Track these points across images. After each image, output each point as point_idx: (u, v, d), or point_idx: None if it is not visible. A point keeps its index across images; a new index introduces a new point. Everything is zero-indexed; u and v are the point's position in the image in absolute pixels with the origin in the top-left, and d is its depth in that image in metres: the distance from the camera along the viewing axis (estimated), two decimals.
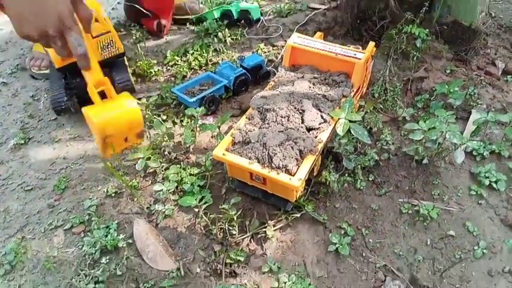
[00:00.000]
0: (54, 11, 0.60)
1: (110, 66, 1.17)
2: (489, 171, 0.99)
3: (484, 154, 1.03)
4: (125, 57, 1.22)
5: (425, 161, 0.99)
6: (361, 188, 0.98)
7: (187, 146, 1.06)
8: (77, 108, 1.15)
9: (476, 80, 1.26)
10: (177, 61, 1.40)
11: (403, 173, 1.02)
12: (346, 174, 0.97)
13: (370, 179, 1.00)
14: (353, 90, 1.00)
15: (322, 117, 0.93)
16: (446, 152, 0.98)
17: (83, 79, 0.69)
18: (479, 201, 0.96)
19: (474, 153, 1.04)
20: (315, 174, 0.96)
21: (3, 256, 0.87)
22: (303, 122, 0.92)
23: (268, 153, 0.85)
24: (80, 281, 0.81)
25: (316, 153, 0.87)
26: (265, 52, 1.42)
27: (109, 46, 1.12)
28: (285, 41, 1.46)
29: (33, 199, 1.01)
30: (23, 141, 1.15)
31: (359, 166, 0.99)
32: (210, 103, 1.19)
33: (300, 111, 0.94)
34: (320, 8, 1.60)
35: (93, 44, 1.08)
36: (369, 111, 1.08)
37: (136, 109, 0.73)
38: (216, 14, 1.60)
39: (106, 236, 0.87)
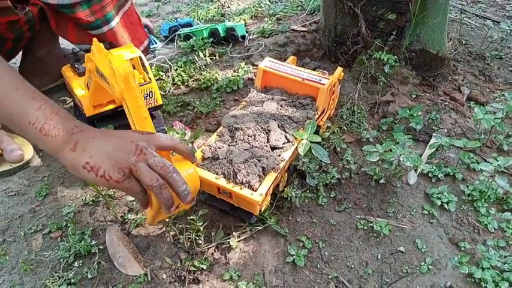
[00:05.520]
0: None
1: None
2: (441, 193, 1.06)
3: (439, 176, 1.11)
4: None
5: (382, 180, 1.07)
6: (323, 203, 1.05)
7: None
8: None
9: (441, 105, 1.34)
10: (161, 76, 1.48)
11: (363, 191, 1.09)
12: (308, 191, 1.05)
13: (331, 195, 1.07)
14: (317, 113, 1.07)
15: (286, 137, 1.01)
16: (402, 173, 1.06)
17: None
18: (431, 220, 1.03)
19: (430, 175, 1.12)
20: (280, 189, 1.03)
21: None
22: (268, 141, 1.00)
23: (233, 169, 0.92)
24: (53, 283, 0.88)
25: (279, 171, 0.94)
26: (245, 70, 1.50)
27: (147, 97, 1.08)
28: None
29: (16, 204, 1.07)
30: None
31: (321, 183, 1.06)
32: None
33: (266, 131, 1.02)
34: (301, 31, 1.69)
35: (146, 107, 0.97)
36: (335, 131, 1.16)
37: (195, 175, 0.76)
38: (205, 33, 1.68)
39: (80, 241, 0.94)
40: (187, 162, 0.78)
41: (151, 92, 1.08)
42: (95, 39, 0.86)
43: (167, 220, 0.97)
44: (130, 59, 1.02)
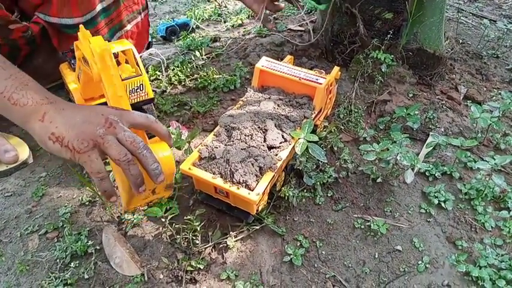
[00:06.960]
0: None
1: (137, 110, 1.07)
2: (439, 191, 1.06)
3: (436, 175, 1.11)
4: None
5: (379, 179, 1.07)
6: (320, 203, 1.05)
7: None
8: None
9: (438, 104, 1.34)
10: (158, 76, 1.48)
11: (360, 190, 1.09)
12: (306, 190, 1.05)
13: (328, 195, 1.07)
14: (314, 112, 1.07)
15: (283, 136, 1.01)
16: (399, 172, 1.06)
17: None
18: (428, 219, 1.03)
19: (427, 174, 1.12)
20: (277, 189, 1.03)
21: None
22: (265, 141, 1.00)
23: (230, 169, 0.92)
24: (49, 283, 0.88)
25: (275, 170, 0.94)
26: (242, 70, 1.50)
27: (138, 90, 1.06)
28: None
29: (12, 205, 1.07)
30: None
31: (318, 183, 1.06)
32: None
33: (263, 130, 1.01)
34: (297, 30, 1.69)
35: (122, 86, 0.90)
36: (332, 131, 1.16)
37: (170, 158, 0.72)
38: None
39: (77, 241, 0.94)
40: (164, 144, 0.75)
41: (142, 84, 1.06)
42: (81, 25, 0.85)
43: (164, 220, 0.97)
44: (123, 52, 1.02)
